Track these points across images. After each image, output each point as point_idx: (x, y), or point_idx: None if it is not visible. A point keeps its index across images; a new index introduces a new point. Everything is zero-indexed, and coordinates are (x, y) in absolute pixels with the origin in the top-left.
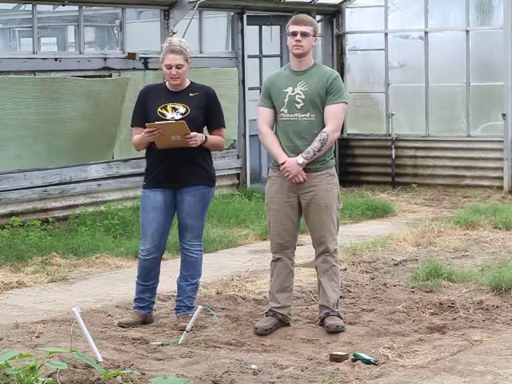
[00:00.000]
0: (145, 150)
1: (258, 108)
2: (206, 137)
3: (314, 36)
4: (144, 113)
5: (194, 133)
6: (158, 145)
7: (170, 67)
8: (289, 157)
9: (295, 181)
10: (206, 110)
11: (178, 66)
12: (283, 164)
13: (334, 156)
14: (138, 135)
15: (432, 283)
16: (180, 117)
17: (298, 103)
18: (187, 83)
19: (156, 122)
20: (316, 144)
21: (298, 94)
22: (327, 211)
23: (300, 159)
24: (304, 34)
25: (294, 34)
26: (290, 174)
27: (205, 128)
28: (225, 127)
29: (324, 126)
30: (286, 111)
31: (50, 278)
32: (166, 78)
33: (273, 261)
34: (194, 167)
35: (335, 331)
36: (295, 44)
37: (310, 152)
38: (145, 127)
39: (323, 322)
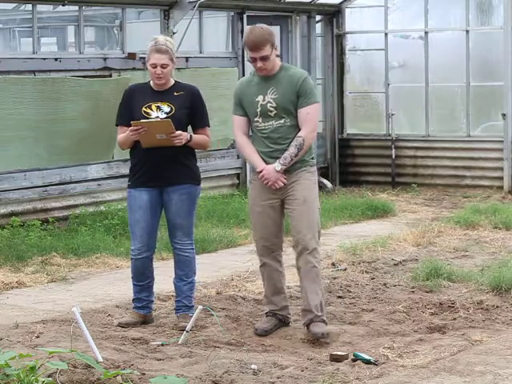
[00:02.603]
0: (129, 150)
1: (232, 116)
2: (190, 136)
3: (274, 47)
4: (129, 112)
5: (179, 131)
6: (142, 144)
7: (155, 66)
8: (267, 163)
9: (275, 187)
10: (190, 109)
11: (163, 66)
12: (261, 172)
13: (334, 156)
14: (123, 134)
15: (432, 283)
16: (164, 116)
17: (271, 111)
18: (172, 82)
19: (141, 120)
20: (292, 149)
21: (269, 102)
22: (306, 205)
23: (278, 166)
24: (264, 58)
25: (254, 60)
26: (268, 181)
27: (189, 127)
28: (209, 126)
29: (300, 129)
30: (260, 120)
31: (50, 278)
32: (150, 77)
33: (261, 266)
34: (179, 166)
35: (318, 339)
36: (258, 69)
37: (287, 158)
38: (129, 126)
39: (308, 329)
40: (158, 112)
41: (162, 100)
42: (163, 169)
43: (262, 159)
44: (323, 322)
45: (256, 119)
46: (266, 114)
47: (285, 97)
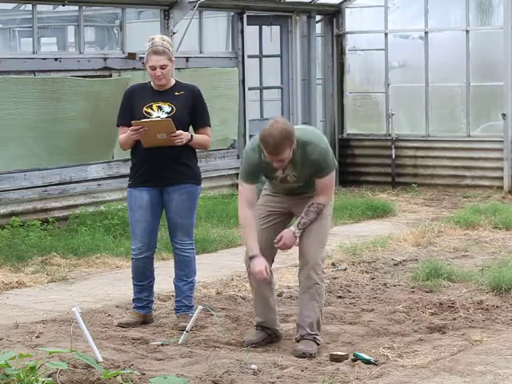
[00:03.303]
0: (130, 150)
1: (241, 183)
2: (191, 135)
3: (293, 145)
4: (129, 112)
5: (180, 131)
6: (143, 143)
7: (154, 68)
8: (278, 198)
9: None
10: (191, 109)
11: (162, 67)
12: (253, 257)
13: (334, 156)
14: (124, 134)
15: (432, 283)
16: (165, 116)
17: (290, 180)
18: (172, 82)
19: (142, 120)
20: (312, 215)
21: (289, 175)
22: (314, 223)
23: (297, 232)
24: (282, 160)
25: (272, 160)
26: (288, 248)
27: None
28: (210, 126)
29: (314, 186)
30: (278, 181)
31: (50, 278)
32: (151, 78)
33: (249, 275)
34: (180, 166)
35: (300, 357)
36: (276, 166)
37: (307, 223)
38: (130, 126)
39: (296, 345)
40: (159, 112)
41: (163, 100)
42: (164, 168)
43: (275, 193)
44: (314, 340)
45: (273, 180)
46: (285, 181)
47: (303, 174)
